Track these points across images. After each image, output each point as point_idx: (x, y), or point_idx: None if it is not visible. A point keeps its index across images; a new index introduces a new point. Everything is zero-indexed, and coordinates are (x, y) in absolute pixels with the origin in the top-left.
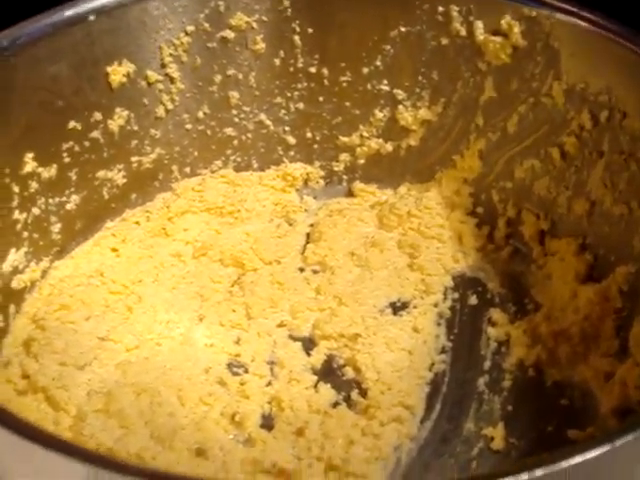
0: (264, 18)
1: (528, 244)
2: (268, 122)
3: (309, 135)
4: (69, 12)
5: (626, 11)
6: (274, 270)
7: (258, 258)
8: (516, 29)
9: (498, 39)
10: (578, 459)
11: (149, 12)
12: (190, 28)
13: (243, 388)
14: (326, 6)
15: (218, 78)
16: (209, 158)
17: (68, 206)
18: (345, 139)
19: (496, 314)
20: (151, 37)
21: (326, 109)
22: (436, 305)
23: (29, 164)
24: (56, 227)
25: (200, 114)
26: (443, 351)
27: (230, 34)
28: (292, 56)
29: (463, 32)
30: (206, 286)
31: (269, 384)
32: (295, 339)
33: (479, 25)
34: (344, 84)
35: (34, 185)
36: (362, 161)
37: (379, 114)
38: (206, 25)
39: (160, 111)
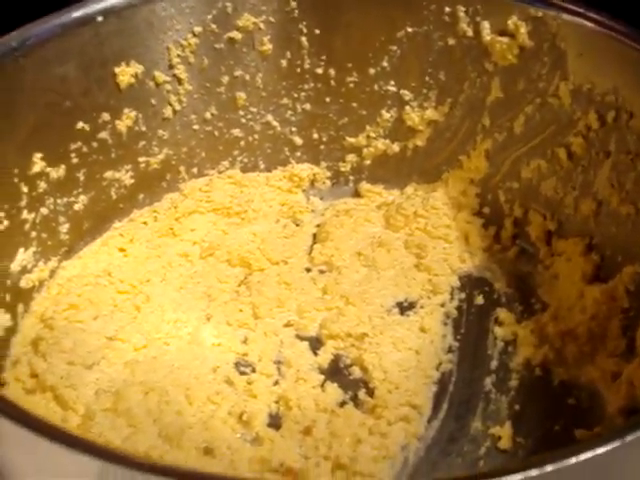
0: (271, 19)
1: (535, 244)
2: (275, 123)
3: (316, 136)
4: (77, 13)
5: (632, 12)
6: (281, 270)
7: (265, 258)
8: (523, 30)
9: (505, 39)
10: (588, 455)
11: (157, 13)
12: (198, 29)
13: (250, 387)
14: (333, 7)
15: (225, 79)
16: (216, 159)
17: (76, 206)
18: (352, 140)
19: (503, 314)
20: (159, 38)
21: (333, 110)
22: (443, 305)
23: (37, 164)
24: (64, 227)
25: (207, 115)
26: (450, 351)
27: (237, 35)
28: (299, 57)
29: (470, 32)
30: (213, 286)
31: (276, 383)
32: (302, 339)
33: (486, 25)
34: (351, 85)
35: (42, 185)
36: (369, 162)
37: (386, 115)
38: (213, 26)
39: (168, 112)
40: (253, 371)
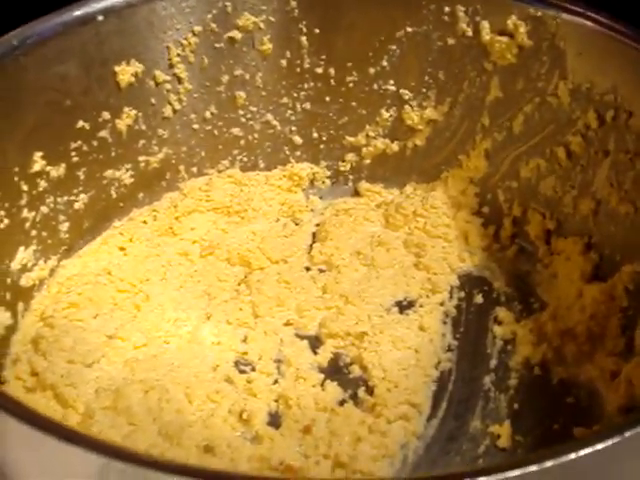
0: (271, 18)
1: (534, 243)
2: (275, 122)
3: (315, 135)
4: (78, 12)
5: (631, 11)
6: (281, 269)
7: (265, 257)
8: (522, 29)
9: (504, 39)
10: (587, 451)
11: (157, 13)
12: (197, 28)
13: (250, 386)
14: (332, 7)
15: (225, 78)
16: (216, 158)
17: (76, 205)
18: (351, 139)
19: (502, 313)
20: (159, 37)
21: (332, 109)
22: (442, 304)
23: (38, 163)
24: (64, 226)
25: (207, 114)
26: (449, 349)
27: (237, 34)
28: (299, 56)
29: (469, 32)
30: (213, 285)
31: (276, 382)
32: (302, 337)
33: (485, 25)
34: (350, 84)
35: (43, 184)
36: (368, 161)
37: (385, 114)
38: (213, 25)
39: (168, 111)
40: (253, 370)
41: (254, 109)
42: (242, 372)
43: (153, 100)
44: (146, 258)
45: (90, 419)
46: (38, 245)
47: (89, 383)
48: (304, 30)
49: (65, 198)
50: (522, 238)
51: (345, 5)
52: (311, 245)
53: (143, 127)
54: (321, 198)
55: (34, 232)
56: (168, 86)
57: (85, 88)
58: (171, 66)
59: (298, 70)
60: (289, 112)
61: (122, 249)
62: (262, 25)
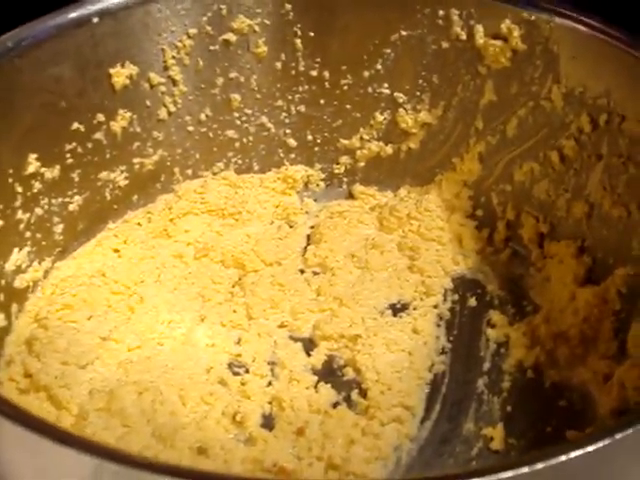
0: (266, 21)
1: (527, 247)
2: (269, 125)
3: (310, 138)
4: (73, 14)
5: (624, 15)
6: (275, 271)
7: (259, 259)
8: (516, 33)
9: (498, 43)
10: (578, 453)
11: (152, 15)
12: (192, 31)
13: (244, 388)
14: (327, 10)
15: (220, 81)
16: (211, 160)
17: (71, 207)
18: (345, 142)
19: (495, 316)
20: (154, 40)
21: (327, 112)
22: (436, 307)
23: (32, 165)
24: (59, 227)
25: (202, 116)
26: (443, 352)
27: (232, 37)
28: (293, 59)
29: (463, 36)
30: (207, 287)
31: (270, 384)
32: (295, 340)
33: (479, 29)
34: (345, 87)
35: (37, 185)
36: (362, 164)
37: (379, 117)
38: (208, 28)
39: (162, 113)
40: (247, 372)
41: (249, 112)
42: (236, 374)
43: (148, 102)
44: (140, 260)
45: (84, 420)
46: (32, 247)
47: (83, 384)
48: (299, 33)
49: (59, 200)
50: (516, 241)
51: (340, 8)
52: (305, 247)
53: (138, 129)
54: (315, 201)
55: (28, 234)
56: (163, 88)
57: (80, 90)
58: (166, 68)
59: (293, 73)
60: (284, 115)
61: (116, 251)
62: (257, 28)
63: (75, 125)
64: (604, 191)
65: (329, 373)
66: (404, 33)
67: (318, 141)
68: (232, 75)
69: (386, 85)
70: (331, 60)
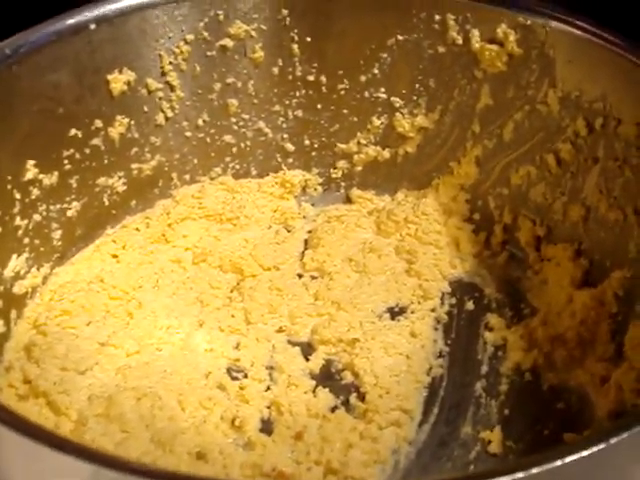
0: (263, 27)
1: (524, 250)
2: (267, 130)
3: (307, 142)
4: (71, 21)
5: (620, 19)
6: (273, 276)
7: (257, 264)
8: (512, 37)
9: (494, 47)
10: (573, 457)
11: (149, 21)
12: (190, 37)
13: (242, 393)
14: (324, 15)
15: (217, 86)
16: (208, 165)
17: (69, 213)
18: (343, 146)
19: (493, 319)
20: (151, 46)
21: (324, 117)
22: (433, 310)
23: (30, 171)
24: (57, 233)
25: (199, 122)
26: (440, 355)
27: (229, 42)
28: (290, 64)
29: (459, 40)
30: (205, 292)
31: (268, 389)
32: (294, 344)
33: (475, 33)
34: (342, 92)
35: (35, 192)
36: (360, 168)
37: (376, 121)
38: (205, 34)
39: (160, 119)
40: (245, 376)
41: (246, 117)
42: (234, 379)
43: (145, 108)
44: (139, 265)
45: (83, 426)
46: (31, 253)
47: (82, 390)
48: (296, 38)
49: (58, 206)
50: (513, 244)
51: (336, 13)
52: (303, 252)
53: (136, 135)
54: (313, 205)
55: (27, 240)
56: (160, 94)
57: (78, 96)
58: (163, 74)
59: (290, 78)
60: (281, 119)
61: (115, 256)
62: (254, 33)
63: (73, 131)
64: (600, 194)
65: (327, 377)
66: (400, 38)
67: (315, 146)
68: (229, 80)
69: (383, 89)
70: (328, 65)
